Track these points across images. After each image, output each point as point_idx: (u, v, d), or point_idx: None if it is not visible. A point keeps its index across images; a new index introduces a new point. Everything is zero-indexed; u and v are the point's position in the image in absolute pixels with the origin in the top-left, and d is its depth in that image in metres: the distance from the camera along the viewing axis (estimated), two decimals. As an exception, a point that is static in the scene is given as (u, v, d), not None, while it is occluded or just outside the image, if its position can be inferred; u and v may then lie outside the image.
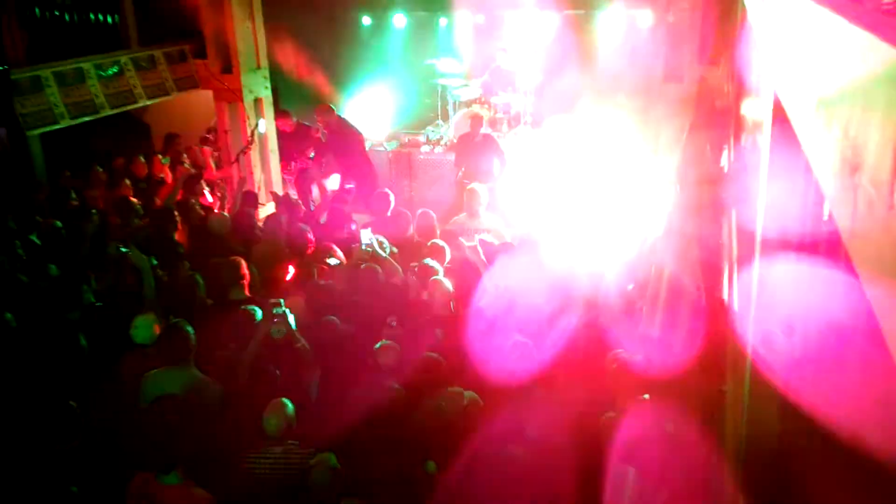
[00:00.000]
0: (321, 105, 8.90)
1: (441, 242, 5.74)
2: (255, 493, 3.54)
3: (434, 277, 4.99)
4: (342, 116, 8.76)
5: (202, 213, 6.84)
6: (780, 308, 1.67)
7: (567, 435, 3.79)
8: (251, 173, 9.56)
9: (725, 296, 3.62)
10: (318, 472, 3.25)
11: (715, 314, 3.67)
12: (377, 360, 4.19)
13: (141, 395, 4.03)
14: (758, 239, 1.86)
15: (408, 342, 4.44)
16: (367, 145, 10.45)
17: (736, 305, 2.63)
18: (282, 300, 4.30)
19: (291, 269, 5.37)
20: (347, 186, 8.65)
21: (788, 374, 1.64)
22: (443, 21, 12.37)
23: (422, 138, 10.54)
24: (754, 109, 2.76)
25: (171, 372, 4.01)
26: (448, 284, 4.86)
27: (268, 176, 10.06)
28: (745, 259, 2.53)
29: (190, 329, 4.07)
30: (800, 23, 1.25)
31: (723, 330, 3.23)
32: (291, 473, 3.48)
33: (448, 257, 5.65)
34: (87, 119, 8.13)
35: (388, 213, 6.68)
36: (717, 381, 3.35)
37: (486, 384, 4.07)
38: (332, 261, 5.60)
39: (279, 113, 9.13)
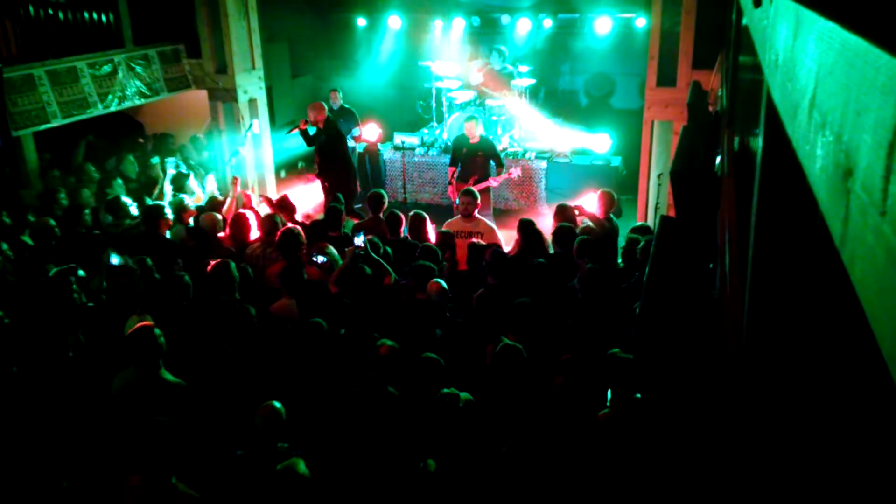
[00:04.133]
0: (314, 102, 8.89)
1: (433, 246, 5.75)
2: (246, 494, 3.52)
3: (431, 279, 4.99)
4: (330, 117, 8.74)
5: (194, 212, 6.82)
6: (773, 312, 1.67)
7: (560, 435, 3.80)
8: (245, 174, 9.55)
9: (718, 298, 3.63)
10: (283, 477, 3.22)
11: (708, 317, 3.67)
12: (372, 359, 4.17)
13: (113, 395, 4.01)
14: (751, 243, 1.87)
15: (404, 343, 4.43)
16: (362, 147, 10.47)
17: (729, 308, 2.64)
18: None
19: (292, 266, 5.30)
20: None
21: (783, 377, 1.65)
22: (438, 23, 12.38)
23: (416, 140, 10.54)
24: (747, 113, 2.77)
25: (139, 375, 3.94)
26: (443, 286, 4.86)
27: (262, 177, 10.05)
28: (738, 262, 2.54)
29: (157, 331, 3.96)
30: (794, 27, 1.26)
31: (716, 332, 3.24)
32: (268, 478, 3.46)
33: (439, 258, 5.66)
34: (79, 118, 8.10)
35: (381, 214, 6.68)
36: (711, 382, 3.36)
37: (482, 386, 4.08)
38: (320, 258, 5.57)
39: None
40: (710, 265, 3.61)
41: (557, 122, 10.57)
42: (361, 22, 12.76)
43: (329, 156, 8.57)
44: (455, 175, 8.26)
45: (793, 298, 1.54)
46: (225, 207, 6.95)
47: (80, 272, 5.11)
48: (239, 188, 7.40)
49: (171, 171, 8.00)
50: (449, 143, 9.62)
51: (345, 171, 8.82)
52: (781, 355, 1.59)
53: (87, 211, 6.82)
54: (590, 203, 6.82)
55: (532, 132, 10.59)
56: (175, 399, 3.86)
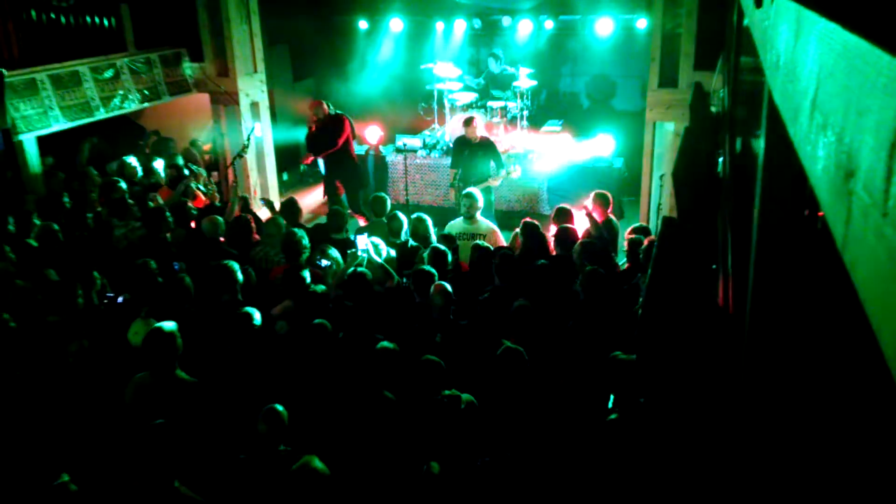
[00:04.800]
0: (313, 101, 8.93)
1: (442, 247, 5.74)
2: (247, 497, 3.52)
3: (434, 282, 4.97)
4: (332, 113, 8.76)
5: (195, 215, 6.82)
6: (775, 313, 1.67)
7: (562, 437, 3.79)
8: (247, 177, 9.57)
9: (721, 300, 3.62)
10: (300, 474, 3.23)
11: (710, 319, 3.67)
12: (375, 362, 4.17)
13: (126, 398, 4.03)
14: (753, 244, 1.87)
15: (406, 346, 4.43)
16: (363, 149, 10.48)
17: (731, 310, 2.64)
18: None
19: (294, 269, 5.35)
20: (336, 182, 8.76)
21: (783, 377, 1.64)
22: (439, 25, 12.38)
23: (418, 143, 10.54)
24: (749, 114, 2.77)
25: (155, 376, 3.99)
26: (447, 288, 4.84)
27: (264, 180, 10.06)
28: (740, 264, 2.54)
29: (175, 333, 4.04)
30: (795, 28, 1.25)
31: (718, 334, 3.23)
32: (283, 478, 3.46)
33: (448, 261, 5.65)
34: (81, 122, 8.12)
35: (384, 217, 6.68)
36: (712, 383, 3.35)
37: (483, 388, 4.07)
38: (324, 262, 5.57)
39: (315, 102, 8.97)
40: (713, 266, 3.60)
41: (556, 124, 10.54)
42: (363, 25, 12.77)
43: (329, 146, 8.63)
44: (456, 176, 8.25)
45: (795, 300, 1.54)
46: (227, 210, 6.97)
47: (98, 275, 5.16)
48: (240, 192, 7.41)
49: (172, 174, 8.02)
50: (451, 145, 9.61)
51: (350, 166, 8.89)
52: (784, 357, 1.59)
53: (89, 215, 6.83)
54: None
55: (534, 133, 10.57)
56: (193, 397, 3.88)
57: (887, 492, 1.00)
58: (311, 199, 10.90)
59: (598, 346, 4.28)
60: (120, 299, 5.13)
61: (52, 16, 8.19)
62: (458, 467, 3.49)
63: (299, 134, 10.88)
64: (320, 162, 9.33)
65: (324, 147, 8.66)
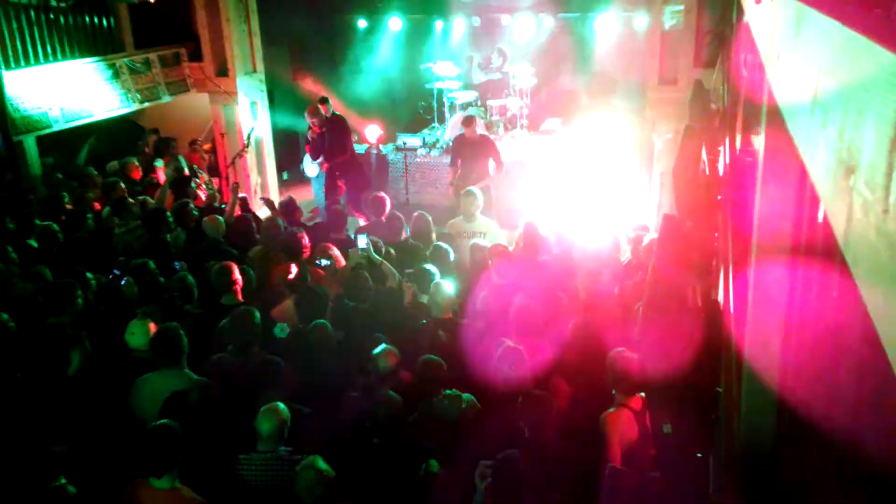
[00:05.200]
0: (310, 106, 8.94)
1: (445, 246, 5.73)
2: (248, 498, 3.52)
3: (435, 281, 4.97)
4: (328, 116, 8.77)
5: (196, 215, 6.81)
6: (775, 310, 1.67)
7: (564, 435, 3.79)
8: (247, 177, 9.57)
9: (721, 297, 3.63)
10: (305, 474, 3.24)
11: (710, 315, 3.68)
12: (376, 364, 4.17)
13: (134, 399, 4.03)
14: (754, 241, 1.87)
15: (406, 345, 4.43)
16: (363, 148, 10.49)
17: (731, 307, 2.64)
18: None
19: (294, 269, 5.37)
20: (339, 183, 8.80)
21: (784, 375, 1.65)
22: (439, 24, 12.37)
23: (418, 141, 10.55)
24: (749, 111, 2.77)
25: (164, 375, 4.01)
26: (448, 287, 4.84)
27: (264, 180, 10.07)
28: (740, 260, 2.54)
29: (182, 332, 4.06)
30: (795, 25, 1.25)
31: (718, 330, 3.24)
32: (283, 478, 3.47)
33: (451, 259, 5.65)
34: (81, 123, 8.12)
35: (384, 217, 6.67)
36: (712, 381, 3.36)
37: (484, 387, 4.07)
38: (324, 261, 5.57)
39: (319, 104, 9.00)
40: (712, 263, 3.61)
41: (556, 122, 10.55)
42: (362, 24, 12.76)
43: (339, 151, 8.68)
44: (456, 175, 8.25)
45: (795, 297, 1.54)
46: (227, 211, 6.97)
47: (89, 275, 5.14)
48: (240, 191, 7.41)
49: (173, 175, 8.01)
50: (450, 144, 9.62)
51: (355, 163, 8.92)
52: (784, 354, 1.59)
53: (89, 215, 6.82)
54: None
55: (534, 132, 10.56)
56: (202, 396, 3.89)
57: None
58: (312, 198, 10.90)
59: (597, 346, 4.28)
60: (122, 281, 5.11)
61: (51, 16, 8.17)
62: (459, 466, 3.49)
63: (299, 133, 10.88)
64: (306, 170, 9.35)
65: (333, 153, 8.70)
